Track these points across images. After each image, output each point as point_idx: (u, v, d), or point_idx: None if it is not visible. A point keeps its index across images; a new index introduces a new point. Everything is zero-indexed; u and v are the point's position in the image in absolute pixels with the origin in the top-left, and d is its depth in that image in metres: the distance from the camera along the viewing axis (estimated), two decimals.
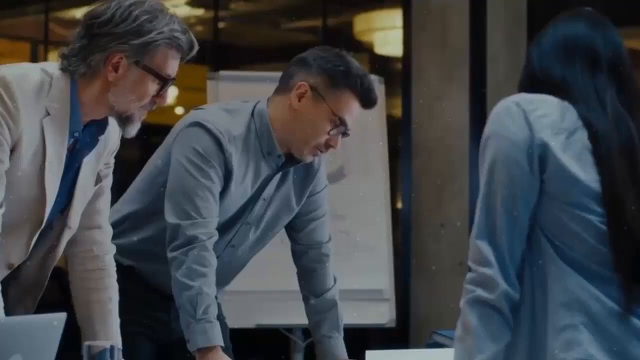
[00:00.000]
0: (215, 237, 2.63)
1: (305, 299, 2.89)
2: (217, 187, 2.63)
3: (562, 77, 1.86)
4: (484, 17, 5.04)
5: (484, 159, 1.83)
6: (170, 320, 2.79)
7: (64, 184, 2.35)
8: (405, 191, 5.24)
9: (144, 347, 2.78)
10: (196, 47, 2.33)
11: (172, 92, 7.42)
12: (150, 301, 2.76)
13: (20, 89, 2.22)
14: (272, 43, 7.18)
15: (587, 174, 1.79)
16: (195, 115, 2.71)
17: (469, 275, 1.82)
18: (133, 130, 2.34)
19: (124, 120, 2.33)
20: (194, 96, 6.53)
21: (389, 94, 5.05)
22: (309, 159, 2.72)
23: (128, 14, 2.25)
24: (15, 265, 2.36)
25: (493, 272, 1.78)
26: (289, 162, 2.74)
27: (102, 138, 2.39)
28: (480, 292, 1.79)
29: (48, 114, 2.25)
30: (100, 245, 2.52)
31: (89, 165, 2.39)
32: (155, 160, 2.77)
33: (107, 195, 2.51)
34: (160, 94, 2.32)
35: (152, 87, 2.30)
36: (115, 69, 2.26)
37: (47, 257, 2.43)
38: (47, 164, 2.26)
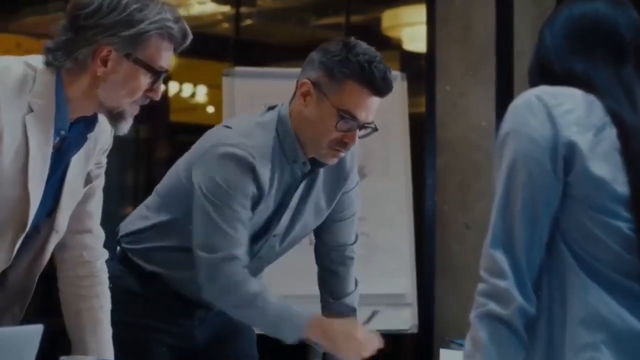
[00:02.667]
0: (245, 264, 2.49)
1: (323, 301, 2.78)
2: (245, 212, 2.47)
3: (583, 71, 1.70)
4: (511, 10, 4.87)
5: (502, 158, 1.67)
6: (194, 327, 2.69)
7: (51, 185, 2.21)
8: (429, 191, 5.07)
9: (162, 355, 2.66)
10: (190, 37, 2.18)
11: (201, 91, 7.15)
12: (173, 307, 2.65)
13: (1, 83, 2.09)
14: (295, 40, 7.08)
15: (615, 175, 1.63)
16: (224, 137, 2.51)
17: (481, 287, 1.67)
18: (125, 126, 2.20)
19: (115, 117, 2.19)
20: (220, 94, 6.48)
21: (412, 90, 4.89)
22: (331, 161, 2.55)
23: (117, 3, 2.11)
24: None
25: (507, 284, 1.63)
26: (315, 167, 2.59)
27: (91, 136, 2.25)
28: (493, 306, 1.63)
29: (31, 110, 2.12)
30: (91, 251, 2.39)
31: (78, 164, 2.25)
32: (179, 172, 2.60)
33: (98, 197, 2.38)
34: (153, 87, 2.17)
35: (145, 80, 2.16)
36: (104, 63, 2.12)
37: (34, 263, 2.31)
38: (30, 163, 2.13)
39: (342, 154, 2.53)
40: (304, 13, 6.98)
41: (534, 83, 1.73)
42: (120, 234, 2.71)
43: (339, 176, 2.66)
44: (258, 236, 2.58)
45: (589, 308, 1.61)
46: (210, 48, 7.24)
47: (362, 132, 2.50)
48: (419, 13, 5.47)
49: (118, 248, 2.70)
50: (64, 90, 2.14)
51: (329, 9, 6.54)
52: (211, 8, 6.94)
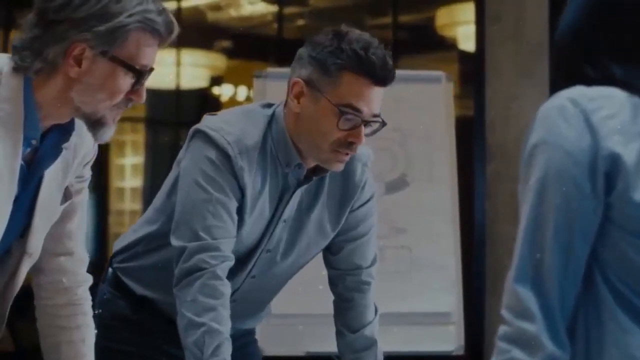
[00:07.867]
0: (230, 262, 2.24)
1: (339, 333, 2.50)
2: (233, 203, 2.24)
3: (623, 75, 1.40)
4: (565, 4, 4.58)
5: (530, 174, 1.41)
6: None
7: (23, 202, 1.95)
8: (477, 200, 4.80)
9: None
10: (176, 30, 1.91)
11: (242, 92, 6.82)
12: (167, 336, 2.39)
13: None
14: None
15: None
16: (203, 122, 2.33)
17: (503, 330, 1.38)
18: (105, 134, 1.94)
19: (94, 124, 1.92)
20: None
21: (460, 92, 4.61)
22: (336, 166, 2.28)
23: None
24: None
25: (536, 328, 1.35)
26: (314, 174, 2.33)
27: (70, 146, 1.99)
28: (517, 354, 1.35)
29: None
30: (72, 276, 2.13)
31: (54, 179, 1.99)
32: (170, 175, 2.40)
33: (80, 215, 2.12)
34: (135, 89, 1.91)
35: (125, 81, 1.89)
36: (78, 63, 1.86)
37: (6, 289, 2.06)
38: None
39: (347, 158, 2.27)
40: (350, 13, 6.82)
41: (560, 86, 1.43)
42: (113, 252, 2.48)
43: (346, 190, 2.39)
44: (251, 250, 2.34)
45: (627, 358, 1.33)
46: (259, 49, 7.08)
47: (369, 129, 2.25)
48: (468, 11, 5.27)
49: (109, 269, 2.47)
50: (33, 95, 1.89)
51: (375, 8, 6.36)
52: (263, 9, 6.79)
